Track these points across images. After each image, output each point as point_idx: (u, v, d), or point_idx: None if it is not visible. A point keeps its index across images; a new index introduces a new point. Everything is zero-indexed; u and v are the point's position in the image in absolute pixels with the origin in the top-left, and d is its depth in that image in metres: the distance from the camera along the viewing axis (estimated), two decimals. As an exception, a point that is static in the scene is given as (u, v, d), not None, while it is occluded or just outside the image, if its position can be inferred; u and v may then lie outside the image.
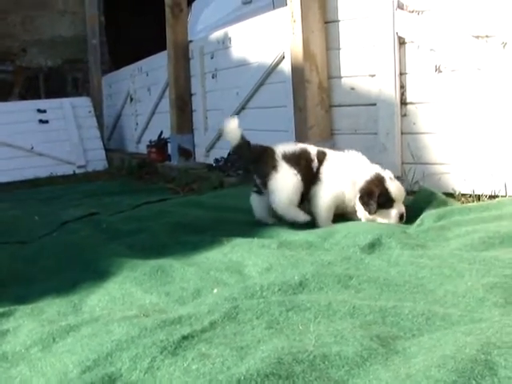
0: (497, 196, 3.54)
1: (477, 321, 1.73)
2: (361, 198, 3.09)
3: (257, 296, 2.08)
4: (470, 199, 3.58)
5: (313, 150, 3.29)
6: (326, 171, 3.18)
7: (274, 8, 6.93)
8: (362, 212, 3.13)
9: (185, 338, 1.77)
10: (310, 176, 3.16)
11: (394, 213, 3.10)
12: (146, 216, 3.59)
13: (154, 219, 3.46)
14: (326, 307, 1.88)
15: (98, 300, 2.37)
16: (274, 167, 3.17)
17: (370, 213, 3.08)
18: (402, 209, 3.14)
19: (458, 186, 3.59)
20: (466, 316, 1.79)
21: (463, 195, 3.56)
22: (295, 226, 3.09)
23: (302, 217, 3.09)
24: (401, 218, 3.12)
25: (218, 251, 2.68)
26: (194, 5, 9.02)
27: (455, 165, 3.57)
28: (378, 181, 3.12)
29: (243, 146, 3.33)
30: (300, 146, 3.35)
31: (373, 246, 2.60)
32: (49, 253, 3.08)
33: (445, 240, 2.70)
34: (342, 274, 2.21)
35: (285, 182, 3.13)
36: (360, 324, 1.75)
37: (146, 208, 3.84)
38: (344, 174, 3.16)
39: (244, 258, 2.54)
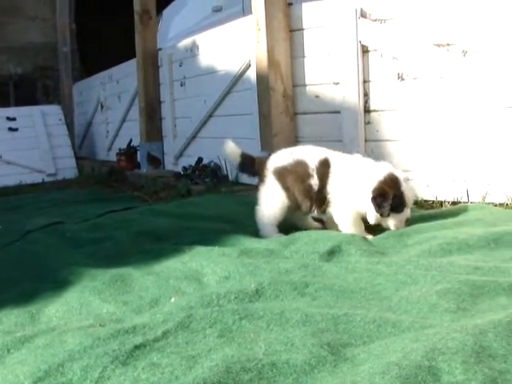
0: (459, 202, 3.58)
1: (426, 327, 1.74)
2: (374, 199, 2.87)
3: (213, 304, 2.08)
4: (432, 205, 3.61)
5: (313, 158, 3.05)
6: (334, 181, 2.97)
7: (244, 15, 6.97)
8: (372, 214, 2.92)
9: (137, 347, 1.77)
10: (309, 187, 3.00)
11: (403, 217, 2.96)
12: (110, 225, 3.57)
13: (118, 228, 3.45)
14: (279, 315, 1.89)
15: (55, 310, 2.35)
16: (263, 180, 3.12)
17: (382, 215, 2.90)
18: (409, 213, 3.00)
19: (421, 192, 3.62)
20: (416, 322, 1.80)
21: (426, 201, 3.59)
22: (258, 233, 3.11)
23: (274, 236, 3.04)
24: (406, 222, 2.99)
25: (178, 260, 2.67)
26: (164, 12, 9.01)
27: (418, 171, 3.60)
28: (393, 182, 2.93)
29: (246, 162, 3.27)
30: (299, 154, 3.10)
31: (332, 253, 2.61)
32: (10, 262, 3.05)
33: (404, 246, 2.72)
34: (299, 281, 2.22)
35: (265, 198, 3.10)
36: (312, 332, 1.76)
37: (110, 216, 3.82)
38: (357, 178, 2.95)
39: (203, 266, 2.54)
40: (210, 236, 3.09)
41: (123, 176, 6.46)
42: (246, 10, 6.78)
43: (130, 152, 6.83)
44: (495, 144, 3.48)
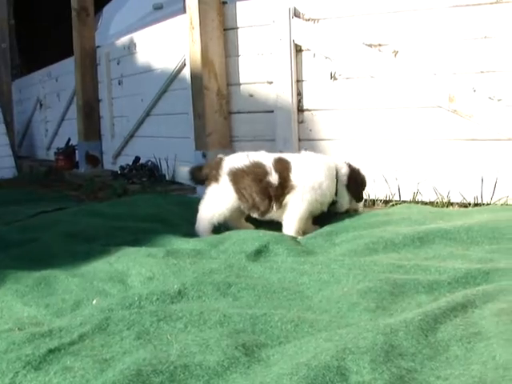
0: (391, 201, 3.62)
1: (343, 326, 1.75)
2: (355, 184, 3.18)
3: (133, 306, 2.06)
4: (365, 204, 3.64)
5: (269, 158, 3.07)
6: (296, 177, 3.00)
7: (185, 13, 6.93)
8: (345, 201, 3.16)
9: (51, 351, 1.73)
10: (267, 186, 2.99)
11: (362, 203, 3.34)
12: (40, 225, 3.49)
13: (48, 229, 3.37)
14: (198, 316, 1.87)
15: (-25, 314, 2.29)
16: (215, 180, 3.06)
17: (359, 200, 3.26)
18: None
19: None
20: (334, 322, 1.81)
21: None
22: (191, 233, 3.08)
23: (208, 235, 3.03)
24: None
25: (105, 261, 2.64)
26: (105, 9, 8.91)
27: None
28: (359, 170, 3.23)
29: (195, 172, 3.23)
30: (255, 156, 3.09)
31: (259, 253, 2.61)
32: None
33: (331, 246, 2.74)
34: (222, 281, 2.21)
35: (214, 198, 3.06)
36: (228, 333, 1.75)
37: (42, 217, 3.75)
38: (322, 171, 3.04)
39: (129, 267, 2.51)
40: (140, 236, 3.06)
41: (61, 175, 6.35)
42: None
43: (68, 151, 6.72)
44: (425, 143, 3.54)
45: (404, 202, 3.60)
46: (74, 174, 6.28)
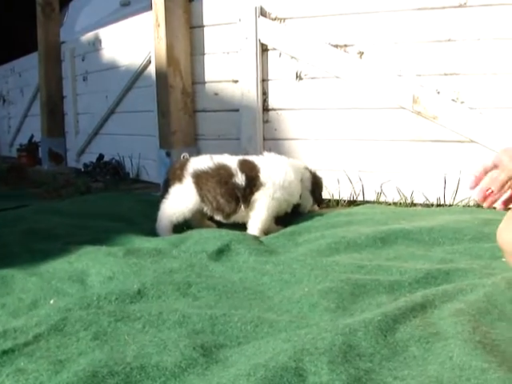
0: (355, 201, 3.63)
1: (303, 327, 1.74)
2: (317, 187, 3.25)
3: (91, 306, 2.02)
4: (329, 204, 3.65)
5: (234, 160, 3.05)
6: (265, 176, 2.99)
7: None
8: (308, 204, 3.23)
9: (5, 352, 1.69)
10: (233, 187, 2.96)
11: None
12: (-1, 224, 3.43)
13: (7, 227, 3.30)
14: (157, 316, 1.84)
15: None
16: (179, 181, 3.01)
17: (320, 204, 3.37)
18: None
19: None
20: (294, 322, 1.79)
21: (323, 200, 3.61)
22: (153, 232, 3.05)
23: (169, 235, 2.99)
24: None
25: (65, 260, 2.58)
26: (71, 5, 8.80)
27: (315, 170, 3.61)
28: (316, 174, 3.28)
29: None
30: (219, 159, 3.06)
31: (221, 252, 2.59)
32: None
33: (294, 245, 2.73)
34: (183, 281, 2.18)
35: (177, 198, 3.01)
36: (187, 333, 1.72)
37: (1, 215, 3.67)
38: (291, 171, 3.07)
39: (89, 266, 2.46)
40: (101, 235, 3.01)
41: (23, 172, 6.24)
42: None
43: (31, 148, 6.62)
44: (389, 144, 3.56)
45: (368, 202, 3.62)
46: (36, 171, 6.18)
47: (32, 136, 6.74)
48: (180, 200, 2.99)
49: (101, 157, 5.25)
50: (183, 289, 2.14)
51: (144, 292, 2.12)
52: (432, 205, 3.47)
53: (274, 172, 2.99)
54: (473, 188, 1.84)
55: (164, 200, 3.04)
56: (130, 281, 2.25)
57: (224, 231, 2.85)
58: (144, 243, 2.81)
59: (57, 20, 6.36)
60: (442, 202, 3.45)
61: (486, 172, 1.80)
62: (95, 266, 2.45)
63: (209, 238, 2.74)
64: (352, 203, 3.66)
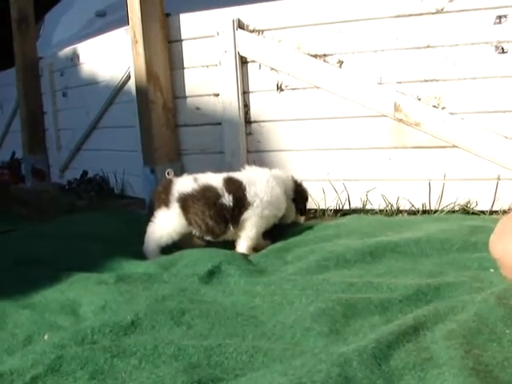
0: (341, 210, 3.65)
1: (297, 355, 1.75)
2: (301, 198, 3.28)
3: (87, 340, 2.02)
4: (315, 214, 3.67)
5: (218, 179, 3.02)
6: (251, 194, 2.98)
7: (128, 22, 6.85)
8: (292, 215, 3.26)
9: (2, 397, 1.69)
10: (221, 208, 2.95)
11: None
12: (-15, 251, 3.39)
13: None
14: (152, 351, 1.85)
15: None
16: (165, 205, 2.99)
17: (303, 214, 3.36)
18: None
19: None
20: (288, 350, 1.81)
21: (309, 210, 3.63)
22: (141, 254, 3.05)
23: (157, 257, 2.98)
24: None
25: (56, 289, 2.58)
26: (46, 17, 8.76)
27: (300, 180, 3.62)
28: (301, 184, 3.31)
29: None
30: (203, 179, 3.03)
31: (212, 274, 2.59)
32: None
33: (284, 264, 2.74)
34: (176, 309, 2.18)
35: (164, 222, 2.99)
36: (184, 368, 1.73)
37: (-14, 241, 3.64)
38: (277, 185, 3.08)
39: (81, 295, 2.46)
40: (91, 259, 3.00)
41: (6, 190, 6.20)
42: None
43: (13, 165, 6.58)
44: (372, 152, 3.58)
45: (354, 210, 3.64)
46: (20, 188, 6.14)
47: (14, 153, 6.70)
48: (167, 224, 2.98)
49: (84, 173, 5.24)
50: (177, 317, 2.14)
51: (138, 322, 2.12)
52: (418, 211, 3.50)
53: (260, 189, 2.99)
54: None
55: (150, 223, 3.03)
56: (122, 310, 2.24)
57: (214, 251, 2.85)
58: (134, 267, 2.81)
59: (33, 35, 6.31)
60: (428, 208, 3.48)
61: None
62: (87, 295, 2.45)
63: (199, 259, 2.75)
64: (338, 212, 3.67)
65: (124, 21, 6.97)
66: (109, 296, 2.40)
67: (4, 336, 2.21)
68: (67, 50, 5.62)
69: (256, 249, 3.02)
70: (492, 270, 2.37)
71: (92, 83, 5.18)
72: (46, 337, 2.15)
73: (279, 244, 2.99)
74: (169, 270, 2.73)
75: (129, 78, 4.52)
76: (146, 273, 2.68)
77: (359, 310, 2.07)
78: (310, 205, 3.59)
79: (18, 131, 6.74)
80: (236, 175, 3.07)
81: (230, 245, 3.04)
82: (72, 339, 2.03)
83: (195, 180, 3.01)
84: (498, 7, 3.23)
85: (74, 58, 5.45)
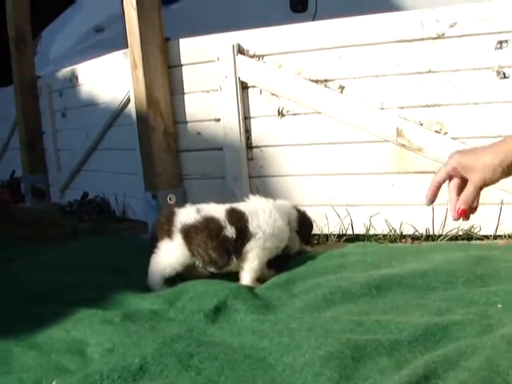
0: (344, 235, 3.65)
1: (309, 406, 1.75)
2: (306, 228, 3.28)
3: (96, 388, 2.01)
4: (318, 240, 3.66)
5: (220, 210, 3.02)
6: (254, 226, 2.98)
7: (126, 37, 6.85)
8: (296, 245, 3.25)
9: None
10: (224, 240, 2.94)
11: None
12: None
13: None
14: (162, 401, 1.84)
15: None
16: (168, 236, 2.98)
17: (308, 244, 3.36)
18: None
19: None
20: (300, 399, 1.80)
21: (312, 236, 3.62)
22: (145, 284, 3.04)
23: (161, 289, 2.98)
24: None
25: (61, 327, 2.57)
26: (43, 33, 8.75)
27: (303, 206, 3.59)
28: (305, 214, 3.29)
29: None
30: (206, 212, 3.01)
31: (218, 311, 2.58)
32: None
33: (289, 297, 2.73)
34: (183, 352, 2.17)
35: (167, 254, 2.98)
36: (194, 421, 1.72)
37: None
38: (279, 217, 3.07)
39: (87, 335, 2.45)
40: (95, 292, 2.98)
41: (6, 210, 6.19)
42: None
43: (13, 184, 6.57)
44: (375, 177, 3.58)
45: (357, 235, 3.64)
46: (20, 208, 6.13)
47: (13, 172, 6.69)
48: (170, 256, 2.97)
49: (85, 195, 5.23)
50: (185, 360, 2.13)
51: (146, 367, 2.11)
52: (421, 236, 3.50)
53: (262, 221, 2.99)
54: (429, 203, 1.76)
55: (154, 255, 3.02)
56: (130, 353, 2.23)
57: (218, 284, 2.84)
58: (140, 302, 2.79)
59: (31, 54, 6.30)
60: (431, 233, 3.48)
61: (439, 184, 1.72)
62: (93, 336, 2.43)
63: (204, 293, 2.74)
64: (341, 237, 3.67)
65: (121, 36, 6.98)
66: (115, 337, 2.39)
67: (11, 381, 2.20)
68: (66, 71, 5.61)
69: (261, 279, 3.02)
70: (499, 306, 2.37)
71: (91, 105, 5.17)
72: (54, 383, 2.13)
73: (284, 276, 2.98)
74: (174, 305, 2.71)
75: (128, 101, 4.51)
76: (151, 310, 2.67)
77: (367, 352, 2.06)
78: (314, 230, 3.57)
79: (16, 149, 6.74)
80: (239, 206, 3.06)
81: (234, 276, 3.03)
82: (81, 387, 2.02)
83: (198, 211, 3.00)
84: (498, 32, 3.23)
85: (72, 79, 5.44)
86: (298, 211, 3.24)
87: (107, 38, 7.69)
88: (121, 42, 7.01)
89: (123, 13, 7.14)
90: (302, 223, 3.24)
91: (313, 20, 5.82)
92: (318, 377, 1.94)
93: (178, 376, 2.06)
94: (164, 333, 2.39)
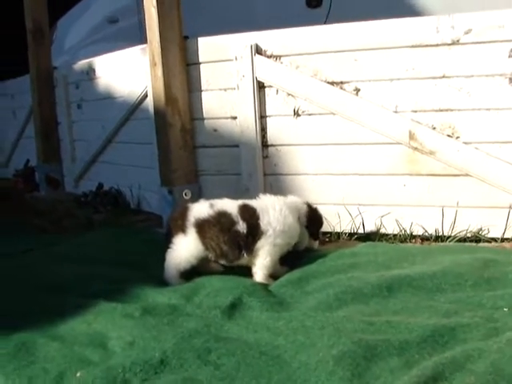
0: (356, 233, 3.73)
1: (323, 403, 1.84)
2: (315, 223, 3.35)
3: (119, 379, 2.11)
4: (330, 238, 3.75)
5: (233, 205, 3.11)
6: (265, 223, 3.07)
7: (140, 29, 6.92)
8: (305, 241, 3.32)
9: None
10: (235, 235, 3.04)
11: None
12: (3, 275, 3.40)
13: (17, 279, 3.29)
14: (182, 394, 1.94)
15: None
16: (182, 231, 3.08)
17: (316, 239, 3.40)
18: None
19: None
20: (314, 396, 1.89)
21: (324, 234, 3.71)
22: (162, 278, 3.13)
23: (177, 282, 3.08)
24: None
25: (82, 320, 2.66)
26: (59, 23, 8.81)
27: (315, 203, 3.63)
28: (316, 210, 3.37)
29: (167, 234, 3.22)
30: (219, 205, 3.12)
31: (234, 307, 2.68)
32: None
33: (303, 295, 2.82)
34: (202, 347, 2.27)
35: (182, 248, 3.08)
36: (214, 414, 1.82)
37: (3, 264, 3.66)
38: (290, 214, 3.15)
39: (108, 329, 2.54)
40: (113, 286, 3.08)
41: (21, 199, 6.29)
42: (142, 21, 6.73)
43: (27, 172, 6.67)
44: (387, 178, 3.66)
45: (368, 234, 3.72)
46: (35, 197, 6.24)
47: (28, 160, 6.79)
48: (185, 250, 3.07)
49: (100, 186, 5.32)
50: (203, 356, 2.23)
51: (166, 361, 2.21)
52: (431, 236, 3.58)
53: (273, 218, 3.08)
54: None
55: (169, 250, 3.12)
56: (150, 347, 2.33)
57: (234, 281, 2.94)
58: (158, 297, 2.89)
59: (48, 46, 6.38)
60: (441, 234, 3.56)
61: None
62: (114, 329, 2.53)
63: (219, 289, 2.84)
64: (352, 236, 3.75)
65: (136, 27, 7.06)
66: (136, 331, 2.48)
67: (36, 371, 2.28)
68: (82, 63, 5.69)
69: (274, 276, 3.11)
70: (506, 310, 2.45)
71: (108, 98, 5.25)
72: (78, 374, 2.23)
73: (297, 273, 3.06)
74: (191, 300, 2.81)
75: (146, 96, 4.59)
76: (169, 304, 2.76)
77: (378, 351, 2.15)
78: (326, 228, 3.66)
79: (30, 137, 6.82)
80: (251, 203, 3.15)
81: (249, 271, 3.12)
82: (104, 378, 2.12)
83: (211, 206, 3.10)
84: (511, 40, 3.30)
85: (89, 72, 5.52)
86: (309, 207, 3.32)
87: (122, 29, 7.75)
88: (135, 34, 7.10)
89: (138, 5, 7.22)
90: (312, 218, 3.31)
91: (327, 15, 5.86)
92: (332, 375, 2.03)
93: (197, 370, 2.16)
94: (182, 328, 2.49)
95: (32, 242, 4.18)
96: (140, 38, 6.73)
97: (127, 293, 2.98)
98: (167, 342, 2.35)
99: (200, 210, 3.10)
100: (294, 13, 5.93)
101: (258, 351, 2.25)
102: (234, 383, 2.01)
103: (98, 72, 5.41)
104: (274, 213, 3.10)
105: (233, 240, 3.03)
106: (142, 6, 4.23)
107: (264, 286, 2.95)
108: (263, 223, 3.06)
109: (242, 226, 3.04)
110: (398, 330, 2.32)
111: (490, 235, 3.47)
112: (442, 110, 3.50)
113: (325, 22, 5.66)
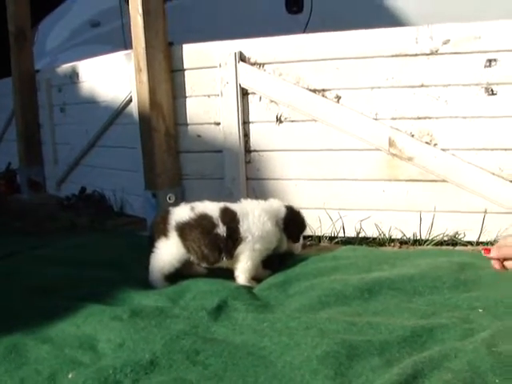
0: (336, 237, 3.82)
1: (308, 401, 1.92)
2: (292, 226, 3.33)
3: (110, 380, 2.17)
4: (311, 241, 3.84)
5: (214, 208, 3.17)
6: (244, 228, 3.13)
7: (123, 33, 6.98)
8: (284, 244, 3.33)
9: None
10: (215, 238, 3.10)
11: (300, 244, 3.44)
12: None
13: (3, 282, 3.35)
14: (172, 394, 2.01)
15: None
16: (164, 235, 3.14)
17: (296, 242, 3.37)
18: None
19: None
20: (299, 394, 1.98)
21: (305, 238, 3.80)
22: (147, 281, 3.20)
23: (162, 285, 3.15)
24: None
25: (72, 322, 2.71)
26: (40, 25, 8.84)
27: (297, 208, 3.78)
28: (298, 213, 3.40)
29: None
30: (200, 208, 3.17)
31: (220, 309, 2.75)
32: None
33: (286, 298, 2.90)
34: (190, 348, 2.34)
35: (165, 251, 3.14)
36: (204, 413, 1.89)
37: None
38: (268, 220, 3.20)
39: (97, 331, 2.60)
40: (101, 289, 3.14)
41: (2, 202, 6.32)
42: (125, 25, 6.78)
43: (8, 175, 6.69)
44: (366, 183, 3.76)
45: (348, 238, 3.82)
46: (16, 200, 6.26)
47: (9, 163, 6.81)
48: (168, 253, 3.14)
49: (83, 189, 5.37)
50: (191, 356, 2.30)
51: (156, 362, 2.28)
52: (409, 240, 3.69)
53: (252, 224, 3.14)
54: None
55: (152, 254, 3.18)
56: (140, 349, 2.39)
57: (219, 284, 3.01)
58: (143, 299, 2.95)
59: (30, 48, 6.42)
60: (418, 238, 3.67)
61: None
62: (104, 332, 2.58)
63: (205, 292, 2.91)
64: (333, 239, 3.85)
65: (118, 31, 7.09)
66: (125, 333, 2.54)
67: (29, 372, 2.33)
68: (66, 67, 5.74)
69: (257, 279, 3.19)
70: (481, 311, 2.56)
71: (92, 102, 5.30)
72: (70, 375, 2.29)
73: (280, 276, 3.15)
74: (177, 302, 2.88)
75: (130, 101, 4.66)
76: (156, 307, 2.82)
77: (360, 351, 2.24)
78: (307, 232, 3.75)
79: (11, 140, 6.85)
80: (232, 206, 3.22)
81: (231, 272, 3.20)
82: (96, 379, 2.18)
83: (192, 209, 3.17)
84: (488, 51, 3.42)
85: (73, 76, 5.57)
86: (289, 210, 3.35)
87: (104, 32, 7.80)
88: (118, 37, 7.15)
89: (121, 8, 7.26)
90: (290, 222, 3.33)
91: (307, 22, 5.95)
92: (316, 374, 2.12)
93: (186, 370, 2.23)
94: (170, 329, 2.56)
95: (16, 245, 4.21)
96: (123, 41, 6.80)
97: (114, 295, 3.04)
98: (156, 344, 2.42)
99: (181, 213, 3.17)
100: (273, 17, 6.02)
101: (245, 352, 2.33)
102: (222, 382, 2.08)
103: (82, 76, 5.46)
104: (254, 218, 3.17)
105: (213, 242, 3.10)
106: (127, 10, 4.29)
107: (248, 289, 3.02)
108: (243, 228, 3.12)
109: (222, 230, 3.11)
110: (379, 330, 2.41)
111: (466, 239, 3.59)
112: (420, 118, 3.61)
113: (305, 29, 5.75)
